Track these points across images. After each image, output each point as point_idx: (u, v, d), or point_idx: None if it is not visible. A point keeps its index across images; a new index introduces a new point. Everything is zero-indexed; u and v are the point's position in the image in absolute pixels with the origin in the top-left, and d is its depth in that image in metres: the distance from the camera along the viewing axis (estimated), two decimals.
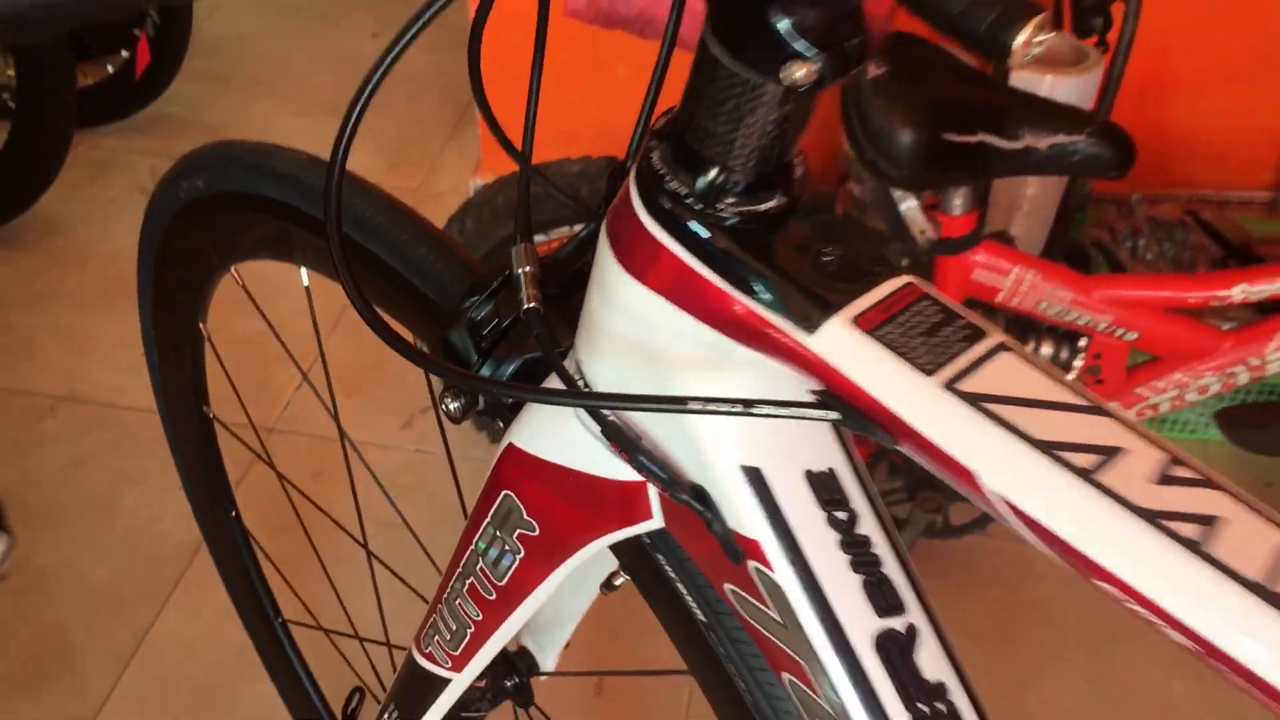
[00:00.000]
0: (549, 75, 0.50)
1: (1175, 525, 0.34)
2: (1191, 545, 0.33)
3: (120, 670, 1.34)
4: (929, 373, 0.37)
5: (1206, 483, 0.35)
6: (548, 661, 0.82)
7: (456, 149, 2.16)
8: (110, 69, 2.08)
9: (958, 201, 1.20)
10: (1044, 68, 1.49)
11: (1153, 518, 0.34)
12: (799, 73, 0.36)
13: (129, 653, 1.36)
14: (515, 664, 0.83)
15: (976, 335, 0.39)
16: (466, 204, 1.44)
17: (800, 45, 0.36)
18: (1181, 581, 0.33)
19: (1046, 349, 1.29)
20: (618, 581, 0.66)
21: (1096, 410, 0.37)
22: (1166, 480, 0.35)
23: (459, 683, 0.68)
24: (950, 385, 0.37)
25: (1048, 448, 0.36)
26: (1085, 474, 0.35)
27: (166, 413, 1.01)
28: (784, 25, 0.36)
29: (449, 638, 0.65)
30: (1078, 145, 1.12)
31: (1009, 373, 0.38)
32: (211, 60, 2.36)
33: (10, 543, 1.22)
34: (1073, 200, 1.44)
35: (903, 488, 1.40)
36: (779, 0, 0.35)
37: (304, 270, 0.73)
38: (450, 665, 0.67)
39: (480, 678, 0.80)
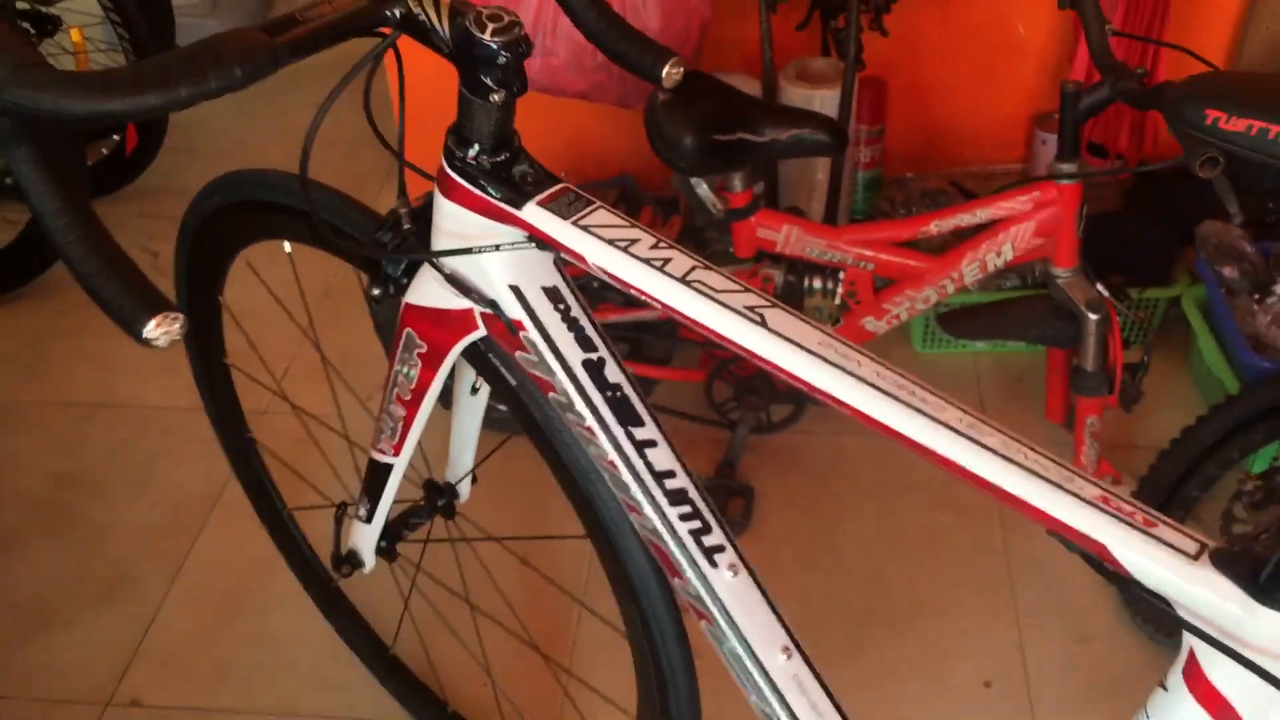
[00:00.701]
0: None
1: (668, 269, 0.84)
2: (682, 280, 0.82)
3: (169, 583, 1.82)
4: (566, 219, 0.87)
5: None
6: (463, 489, 1.32)
7: (390, 194, 2.67)
8: (105, 151, 2.58)
9: (736, 182, 1.70)
10: (811, 85, 2.02)
11: (649, 263, 0.84)
12: (496, 98, 0.86)
13: (174, 570, 1.84)
14: (442, 490, 1.32)
15: (590, 203, 0.89)
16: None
17: (496, 89, 0.86)
18: (670, 291, 0.83)
19: (816, 282, 1.79)
20: (478, 385, 1.16)
21: (632, 226, 0.87)
22: (655, 248, 0.85)
23: (399, 465, 1.17)
24: (575, 223, 0.87)
25: (614, 243, 0.86)
26: (639, 258, 0.85)
27: (197, 366, 1.49)
28: (488, 78, 0.85)
29: (388, 433, 1.14)
30: (805, 135, 1.63)
31: (604, 217, 0.88)
32: (181, 137, 2.85)
33: None
34: (837, 180, 1.95)
35: (733, 396, 1.91)
36: (488, 75, 0.85)
37: (286, 244, 1.23)
38: (392, 452, 1.16)
39: (421, 500, 1.30)
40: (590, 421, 0.95)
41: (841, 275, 1.78)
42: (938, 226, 1.70)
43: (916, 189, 2.21)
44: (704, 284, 0.82)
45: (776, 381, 1.88)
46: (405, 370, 1.07)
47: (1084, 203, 1.63)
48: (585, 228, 0.86)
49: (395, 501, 1.23)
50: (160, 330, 0.71)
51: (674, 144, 1.61)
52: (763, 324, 0.79)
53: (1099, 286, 1.67)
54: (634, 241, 0.85)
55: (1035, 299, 1.73)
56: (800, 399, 1.93)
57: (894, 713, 1.58)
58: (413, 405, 1.10)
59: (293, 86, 3.18)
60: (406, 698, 1.60)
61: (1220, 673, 0.66)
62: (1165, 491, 1.67)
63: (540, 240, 0.89)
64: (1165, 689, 0.71)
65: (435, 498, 1.32)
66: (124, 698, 1.64)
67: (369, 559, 1.30)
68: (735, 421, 1.92)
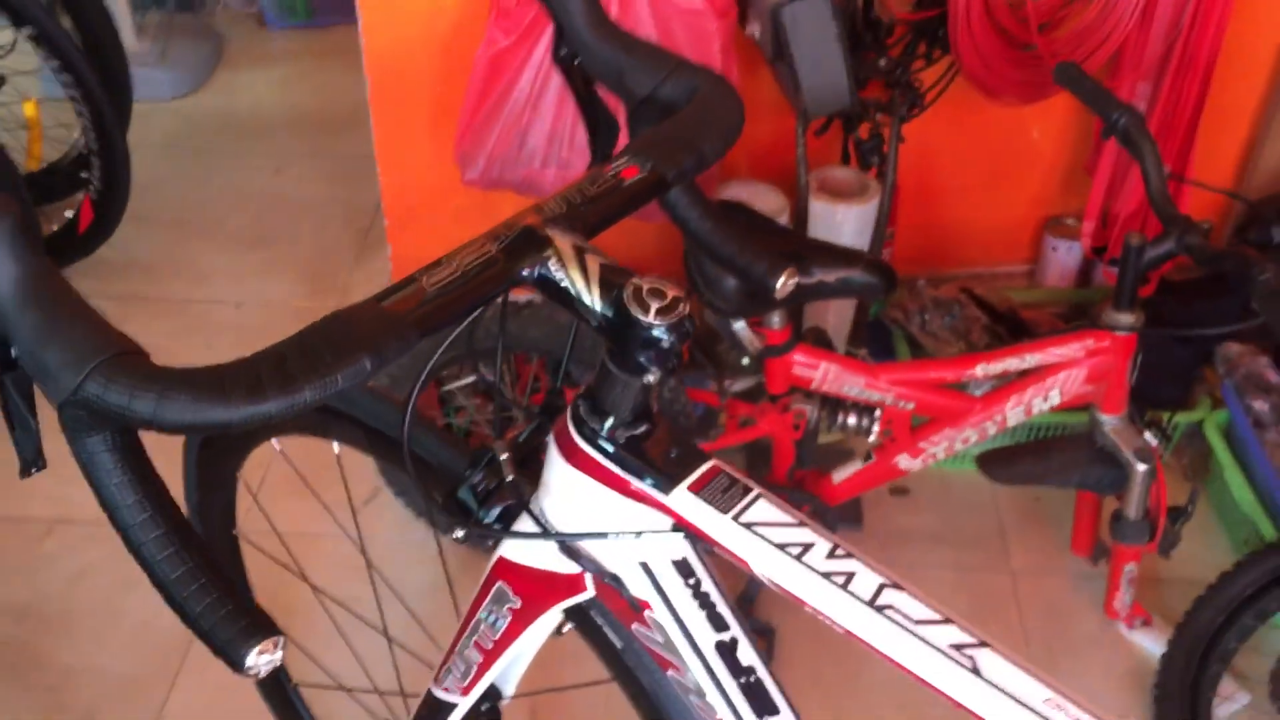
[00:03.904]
0: None
1: (851, 587, 0.73)
2: (870, 604, 0.72)
3: None
4: (725, 513, 0.77)
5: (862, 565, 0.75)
6: (509, 690, 1.20)
7: (364, 271, 2.52)
8: (54, 226, 2.38)
9: (775, 320, 1.61)
10: (835, 198, 1.93)
11: (829, 578, 0.74)
12: (650, 378, 0.75)
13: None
14: (487, 694, 1.20)
15: (748, 490, 0.78)
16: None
17: (651, 367, 0.74)
18: (857, 618, 0.72)
19: (851, 419, 1.71)
20: (565, 629, 1.04)
21: (802, 525, 0.77)
22: (832, 556, 0.75)
23: (464, 705, 1.05)
24: (737, 519, 0.76)
25: (780, 547, 0.75)
26: (818, 571, 0.74)
27: (201, 533, 1.35)
28: (644, 358, 0.74)
29: (459, 676, 1.02)
30: (854, 276, 1.54)
31: (765, 509, 0.77)
32: (134, 203, 2.64)
33: None
34: (865, 312, 1.87)
35: None
36: (643, 354, 0.73)
37: (335, 444, 1.10)
38: (460, 692, 1.04)
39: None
40: (724, 713, 0.84)
41: (878, 414, 1.69)
42: (984, 370, 1.63)
43: (928, 296, 2.14)
44: (898, 610, 0.72)
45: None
46: (491, 620, 0.95)
47: (1139, 352, 1.57)
48: (749, 526, 0.76)
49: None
50: (265, 658, 0.60)
51: (716, 285, 1.52)
52: (975, 671, 0.69)
53: (1147, 434, 1.61)
54: (808, 547, 0.75)
55: (1078, 442, 1.67)
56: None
57: None
58: (493, 654, 0.98)
59: (249, 150, 3.03)
60: None
61: None
62: (1203, 643, 1.62)
63: (691, 533, 0.78)
64: None
65: (480, 701, 1.20)
66: None
67: None
68: None
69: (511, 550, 0.91)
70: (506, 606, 0.93)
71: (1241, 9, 1.90)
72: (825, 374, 1.64)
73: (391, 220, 2.11)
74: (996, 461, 1.71)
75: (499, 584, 0.93)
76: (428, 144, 1.99)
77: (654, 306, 0.71)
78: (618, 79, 0.91)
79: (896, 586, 0.73)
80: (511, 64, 1.68)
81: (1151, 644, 1.78)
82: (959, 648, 0.71)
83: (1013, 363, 1.61)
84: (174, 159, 2.87)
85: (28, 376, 0.69)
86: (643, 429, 0.80)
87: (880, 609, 0.72)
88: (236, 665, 0.60)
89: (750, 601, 1.83)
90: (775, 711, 0.86)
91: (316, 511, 1.26)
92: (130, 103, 2.44)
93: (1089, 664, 1.78)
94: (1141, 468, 1.60)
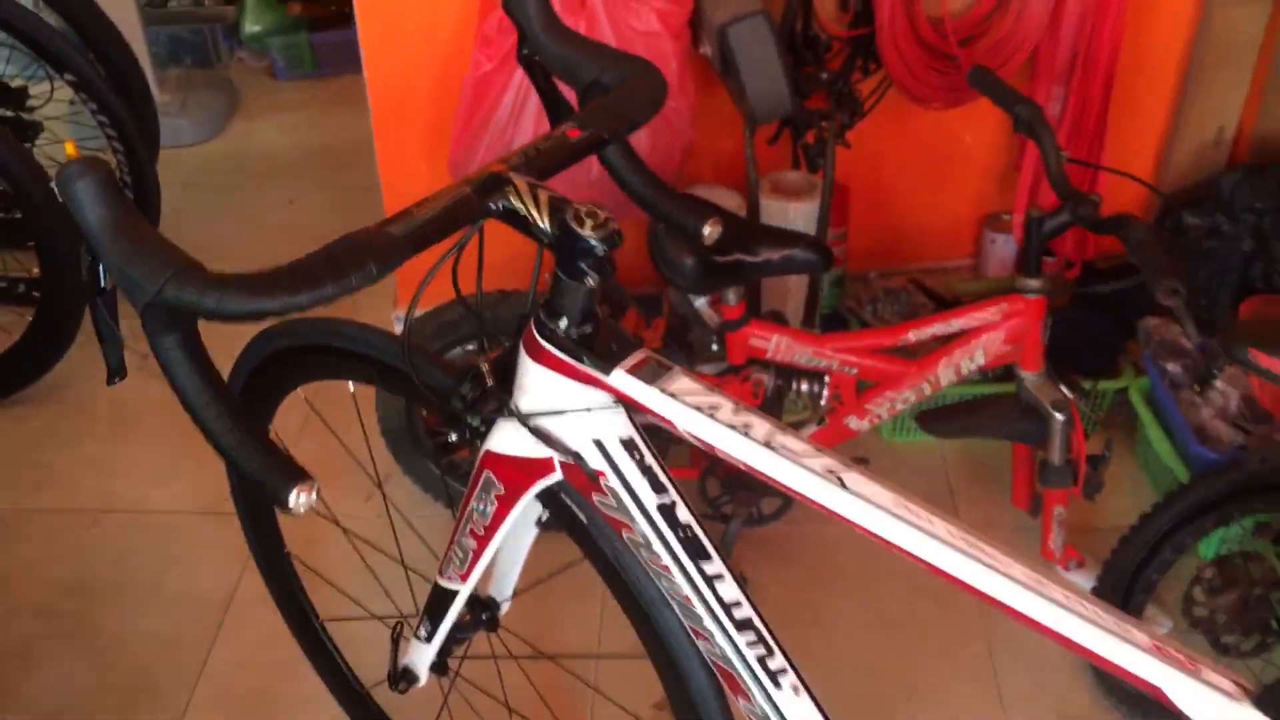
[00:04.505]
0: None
1: (750, 434, 0.96)
2: (764, 444, 0.94)
3: (192, 688, 1.88)
4: (652, 385, 0.99)
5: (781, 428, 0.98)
6: (506, 597, 1.42)
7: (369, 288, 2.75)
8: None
9: (731, 296, 1.84)
10: (787, 198, 2.17)
11: (733, 427, 0.96)
12: (590, 282, 0.98)
13: (194, 678, 1.89)
14: (485, 604, 1.42)
15: (670, 368, 1.01)
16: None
17: (590, 273, 0.97)
18: (753, 455, 0.95)
19: (804, 385, 1.93)
20: (544, 518, 1.26)
21: (712, 391, 0.99)
22: (735, 413, 0.97)
23: (464, 591, 1.27)
24: (663, 390, 0.99)
25: (695, 408, 0.98)
26: (724, 424, 0.96)
27: (238, 491, 1.57)
28: (584, 265, 0.97)
29: (457, 563, 1.24)
30: (796, 254, 1.76)
31: (684, 382, 1.00)
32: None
33: None
34: (816, 290, 2.11)
35: (725, 491, 2.03)
36: (586, 263, 0.96)
37: (351, 383, 1.32)
38: (459, 579, 1.25)
39: (465, 614, 1.39)
40: (666, 560, 1.06)
41: (827, 379, 1.92)
42: (916, 335, 1.85)
43: (879, 287, 2.37)
44: (786, 448, 0.94)
45: None
46: (481, 508, 1.18)
47: (1048, 313, 1.79)
48: (672, 395, 0.98)
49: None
50: (304, 499, 0.81)
51: (676, 266, 1.74)
52: (842, 486, 0.91)
53: (1062, 387, 1.83)
54: (717, 407, 0.98)
55: (1005, 400, 1.89)
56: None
57: None
58: (485, 539, 1.20)
59: (264, 187, 3.29)
60: None
61: None
62: (1128, 576, 1.82)
63: (628, 404, 1.01)
64: None
65: (480, 612, 1.42)
66: None
67: (424, 675, 1.39)
68: (728, 515, 2.04)
69: (495, 443, 1.13)
70: (493, 493, 1.15)
71: (1141, 17, 2.15)
72: (778, 345, 1.87)
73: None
74: (934, 418, 1.93)
75: (486, 473, 1.15)
76: (425, 166, 2.25)
77: (589, 223, 0.94)
78: (568, 71, 1.14)
79: (783, 431, 0.96)
80: (495, 85, 1.93)
81: (1084, 581, 1.98)
82: (831, 471, 0.93)
83: (939, 327, 1.84)
84: (195, 197, 3.13)
85: (113, 298, 0.92)
86: (589, 328, 1.03)
87: (771, 447, 0.94)
88: (282, 503, 0.81)
89: (728, 552, 2.04)
90: (709, 558, 1.08)
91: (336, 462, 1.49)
92: (158, 141, 2.70)
93: None
94: (1059, 417, 1.81)
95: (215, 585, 2.04)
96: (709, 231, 1.13)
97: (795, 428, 2.00)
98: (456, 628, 1.42)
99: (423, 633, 1.34)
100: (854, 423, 1.93)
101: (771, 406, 1.96)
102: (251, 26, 3.82)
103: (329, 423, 1.51)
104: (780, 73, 1.91)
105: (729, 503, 2.04)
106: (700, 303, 1.87)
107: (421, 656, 1.37)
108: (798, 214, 2.14)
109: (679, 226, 1.16)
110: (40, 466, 2.31)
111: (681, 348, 2.15)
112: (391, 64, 2.16)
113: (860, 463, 0.97)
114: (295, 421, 1.50)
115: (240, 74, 3.91)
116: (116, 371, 1.01)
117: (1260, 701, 0.77)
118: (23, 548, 2.13)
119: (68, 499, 2.23)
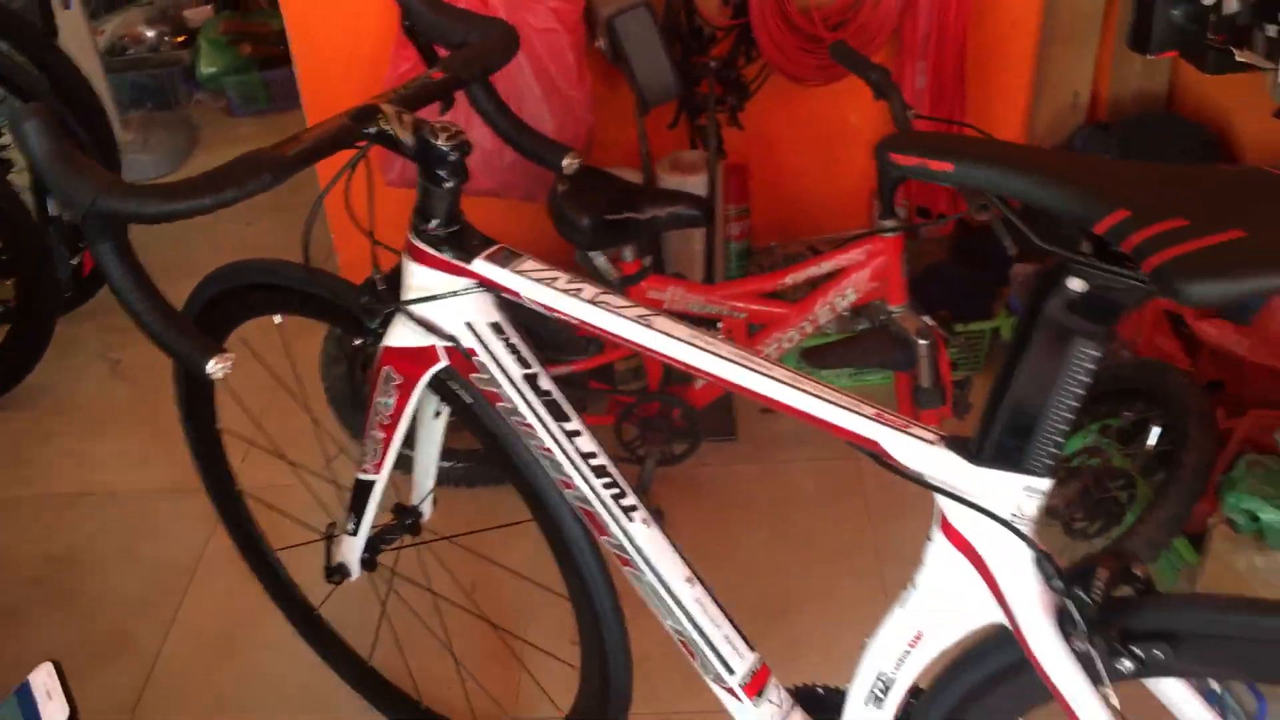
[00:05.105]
0: None
1: (580, 295, 1.19)
2: (591, 301, 1.17)
3: (163, 637, 2.08)
4: (504, 267, 1.22)
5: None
6: (426, 508, 1.63)
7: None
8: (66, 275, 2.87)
9: (628, 253, 2.07)
10: (684, 174, 2.42)
11: (566, 291, 1.19)
12: (449, 185, 1.21)
13: (167, 627, 2.10)
14: (409, 510, 1.64)
15: (521, 255, 1.24)
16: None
17: (449, 178, 1.20)
18: (581, 309, 1.17)
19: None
20: (441, 410, 1.49)
21: (551, 268, 1.22)
22: (570, 282, 1.20)
23: (380, 481, 1.48)
24: (512, 270, 1.22)
25: (541, 281, 1.20)
26: (559, 289, 1.19)
27: (192, 432, 1.79)
28: (443, 171, 1.20)
29: (371, 455, 1.46)
30: (681, 211, 2.00)
31: (531, 264, 1.23)
32: None
33: None
34: (712, 249, 2.34)
35: (639, 434, 2.25)
36: (443, 169, 1.19)
37: (277, 316, 1.55)
38: (374, 470, 1.47)
39: (391, 518, 1.61)
40: (531, 420, 1.28)
41: (719, 325, 2.15)
42: (793, 279, 2.09)
43: (780, 255, 2.61)
44: (608, 303, 1.17)
45: (673, 418, 2.23)
46: (384, 400, 1.40)
47: (906, 250, 2.03)
48: (520, 272, 1.21)
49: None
50: (219, 366, 1.03)
51: (574, 225, 1.98)
52: (649, 326, 1.14)
53: (925, 319, 2.06)
54: (556, 279, 1.20)
55: (878, 333, 2.12)
56: (696, 434, 2.28)
57: (796, 673, 1.91)
58: (390, 429, 1.42)
59: (223, 213, 3.49)
60: (385, 704, 1.88)
61: (958, 517, 1.02)
62: None
63: (487, 285, 1.24)
64: (930, 539, 1.06)
65: (404, 517, 1.64)
66: None
67: (355, 569, 1.60)
68: (643, 456, 2.26)
69: (390, 339, 1.35)
70: (393, 384, 1.38)
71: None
72: (673, 296, 2.10)
73: (337, 236, 2.60)
74: (818, 354, 2.16)
75: (386, 369, 1.37)
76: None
77: (443, 136, 1.18)
78: (442, 35, 1.38)
79: (606, 293, 1.19)
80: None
81: None
82: (643, 316, 1.16)
83: (812, 270, 2.07)
84: (160, 227, 3.35)
85: (63, 225, 1.15)
86: (456, 227, 1.26)
87: (595, 303, 1.17)
88: (200, 373, 1.02)
89: (643, 493, 2.25)
90: (568, 419, 1.30)
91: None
92: (119, 167, 2.93)
93: (917, 519, 2.20)
94: (924, 344, 2.04)
95: (183, 552, 2.25)
96: (568, 163, 1.36)
97: None
98: (384, 532, 1.64)
99: (350, 526, 1.55)
100: None
101: None
102: (207, 68, 4.08)
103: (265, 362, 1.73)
104: (665, 58, 2.16)
105: (643, 444, 2.26)
106: (599, 259, 2.11)
107: (351, 551, 1.58)
108: (694, 187, 2.38)
109: (541, 161, 1.40)
110: (21, 462, 2.53)
111: None
112: (325, 89, 2.41)
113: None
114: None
115: (200, 113, 4.17)
116: (67, 289, 1.24)
117: (950, 442, 1.00)
118: (8, 529, 2.34)
119: (48, 486, 2.45)
